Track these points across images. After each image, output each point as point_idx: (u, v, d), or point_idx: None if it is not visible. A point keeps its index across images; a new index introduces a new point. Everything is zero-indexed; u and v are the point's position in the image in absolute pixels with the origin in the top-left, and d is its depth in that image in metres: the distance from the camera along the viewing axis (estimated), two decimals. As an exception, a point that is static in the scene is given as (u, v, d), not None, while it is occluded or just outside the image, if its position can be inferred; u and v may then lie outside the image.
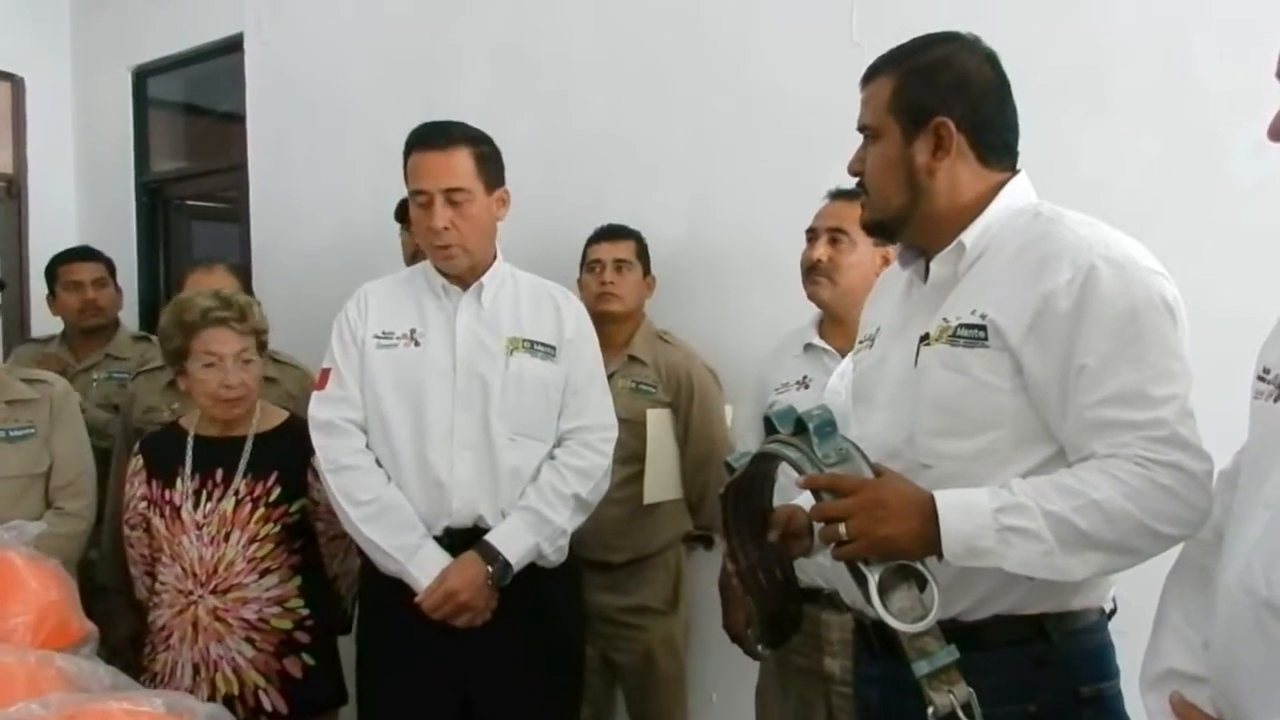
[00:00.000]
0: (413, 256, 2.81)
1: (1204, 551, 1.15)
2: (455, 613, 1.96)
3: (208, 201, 4.59)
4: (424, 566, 1.97)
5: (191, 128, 4.67)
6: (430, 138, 2.03)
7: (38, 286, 4.20)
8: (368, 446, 2.07)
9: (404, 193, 2.15)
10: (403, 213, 2.87)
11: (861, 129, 1.40)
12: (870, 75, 1.40)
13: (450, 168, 2.01)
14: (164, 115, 4.54)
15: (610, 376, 2.64)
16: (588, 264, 2.73)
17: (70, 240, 4.04)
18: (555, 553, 2.07)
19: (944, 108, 1.32)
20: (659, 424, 2.65)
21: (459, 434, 2.03)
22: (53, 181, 4.51)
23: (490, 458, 2.04)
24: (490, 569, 1.96)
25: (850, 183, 1.49)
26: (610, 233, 2.74)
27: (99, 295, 3.20)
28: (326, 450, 2.05)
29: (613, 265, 2.68)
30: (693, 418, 2.66)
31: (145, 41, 4.31)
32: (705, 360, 2.74)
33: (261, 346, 2.25)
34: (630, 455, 2.58)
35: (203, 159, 4.54)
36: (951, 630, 1.18)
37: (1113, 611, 1.39)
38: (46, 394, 2.43)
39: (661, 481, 2.66)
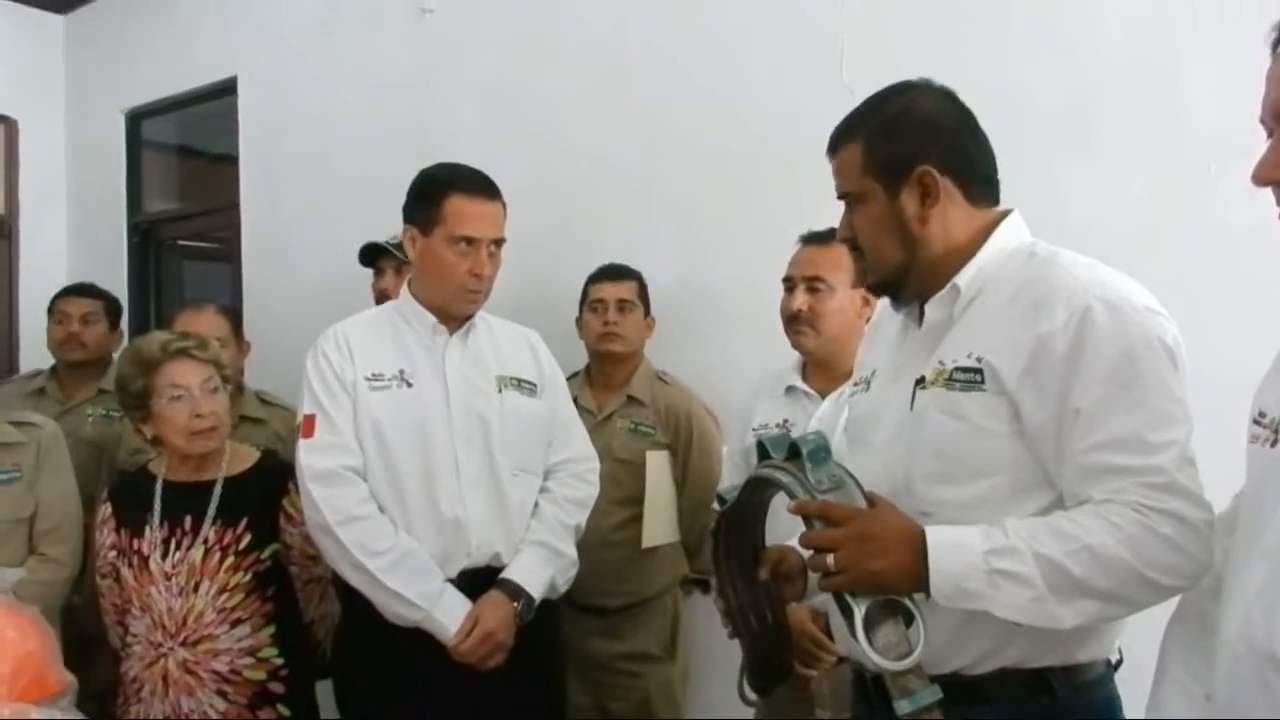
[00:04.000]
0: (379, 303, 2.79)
1: (1204, 598, 1.13)
2: (491, 654, 1.94)
3: (200, 242, 4.59)
4: (450, 613, 1.94)
5: (184, 169, 4.69)
6: (482, 187, 2.07)
7: (27, 326, 4.20)
8: (369, 493, 2.02)
9: (394, 234, 2.14)
10: (371, 259, 2.84)
11: (842, 197, 1.39)
12: (834, 145, 1.39)
13: (499, 219, 2.08)
14: (157, 156, 4.56)
15: (609, 417, 2.65)
16: (589, 303, 2.71)
17: (61, 280, 4.03)
18: (564, 584, 2.09)
19: (920, 155, 1.31)
20: (658, 466, 2.63)
21: (466, 473, 2.02)
22: (44, 222, 4.53)
23: (499, 494, 2.04)
24: (516, 605, 1.97)
25: (823, 225, 1.47)
26: (612, 272, 2.73)
27: (83, 330, 3.15)
28: (332, 501, 1.96)
29: (615, 305, 2.67)
30: (691, 460, 2.64)
31: (139, 84, 4.34)
32: (704, 401, 2.72)
33: (225, 380, 2.20)
34: (629, 498, 2.57)
35: (195, 200, 4.55)
36: (953, 686, 1.16)
37: (1119, 662, 1.36)
38: (34, 437, 2.40)
39: (660, 525, 2.63)
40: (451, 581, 1.98)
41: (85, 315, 3.18)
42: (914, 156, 1.31)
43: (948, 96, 1.36)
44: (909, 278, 1.36)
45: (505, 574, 2.00)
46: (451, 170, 2.10)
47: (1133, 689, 1.28)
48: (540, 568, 2.03)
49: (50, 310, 3.24)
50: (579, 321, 2.74)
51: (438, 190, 2.05)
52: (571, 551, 2.09)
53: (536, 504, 2.10)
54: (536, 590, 2.00)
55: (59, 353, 3.19)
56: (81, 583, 2.48)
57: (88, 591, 2.52)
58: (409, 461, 2.01)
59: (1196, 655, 1.09)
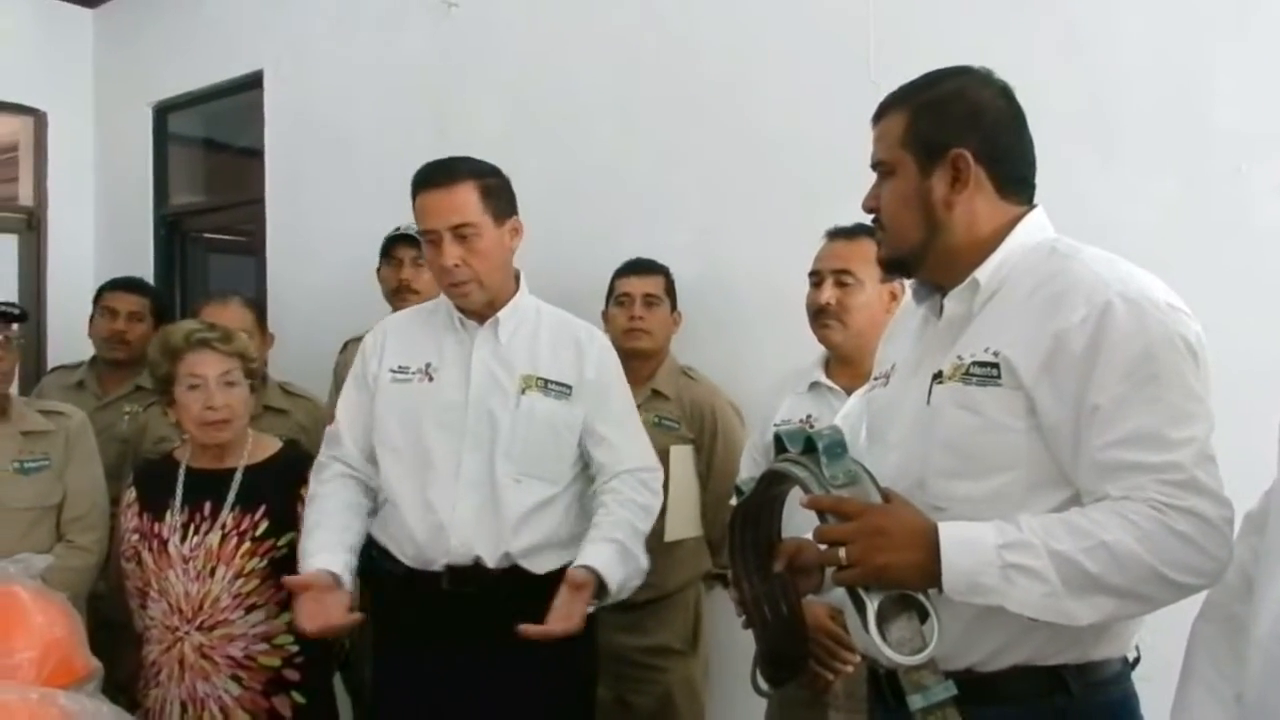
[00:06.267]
0: (393, 293, 2.82)
1: (1232, 597, 1.12)
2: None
3: (225, 235, 4.63)
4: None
5: (210, 162, 4.73)
6: (433, 177, 2.02)
7: (55, 318, 4.26)
8: (358, 478, 2.08)
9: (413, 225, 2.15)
10: (386, 248, 2.89)
11: (875, 166, 1.40)
12: (881, 112, 1.39)
13: (454, 205, 1.98)
14: (184, 150, 4.60)
15: None
16: (615, 297, 2.70)
17: (89, 272, 4.10)
18: (627, 593, 2.00)
19: (959, 139, 1.31)
20: (681, 461, 2.61)
21: (464, 472, 2.00)
22: (72, 215, 4.57)
23: (493, 498, 1.99)
24: (597, 601, 1.90)
25: (848, 221, 1.48)
26: (639, 267, 2.71)
27: (129, 329, 3.15)
28: (311, 484, 2.10)
29: (642, 300, 2.66)
30: (716, 455, 2.63)
31: (166, 78, 4.38)
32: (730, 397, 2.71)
33: (251, 374, 2.23)
34: None
35: (221, 193, 4.59)
36: (966, 682, 1.15)
37: (1136, 660, 1.35)
38: (63, 427, 2.44)
39: (683, 519, 2.62)
40: (439, 574, 1.97)
41: (132, 312, 3.17)
42: (953, 138, 1.31)
43: (1003, 91, 1.36)
44: (924, 260, 1.36)
45: (595, 567, 1.88)
46: (419, 170, 2.06)
47: (1155, 688, 1.28)
48: (617, 565, 1.92)
49: (96, 301, 3.25)
50: (605, 315, 2.73)
51: (413, 194, 2.05)
52: (644, 560, 2.00)
53: (605, 504, 2.01)
54: (614, 586, 1.90)
55: (102, 348, 3.18)
56: (108, 570, 2.52)
57: (113, 578, 2.56)
58: (409, 454, 2.02)
59: (1226, 655, 1.08)
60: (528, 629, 1.80)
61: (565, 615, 1.83)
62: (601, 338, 2.19)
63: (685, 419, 2.64)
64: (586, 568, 1.88)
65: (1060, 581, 1.13)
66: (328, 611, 1.88)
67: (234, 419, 2.16)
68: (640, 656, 2.58)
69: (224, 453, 2.20)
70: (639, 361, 2.67)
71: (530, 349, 2.08)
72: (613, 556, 1.92)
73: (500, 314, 2.08)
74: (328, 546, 1.96)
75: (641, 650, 2.58)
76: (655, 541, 2.54)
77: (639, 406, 2.58)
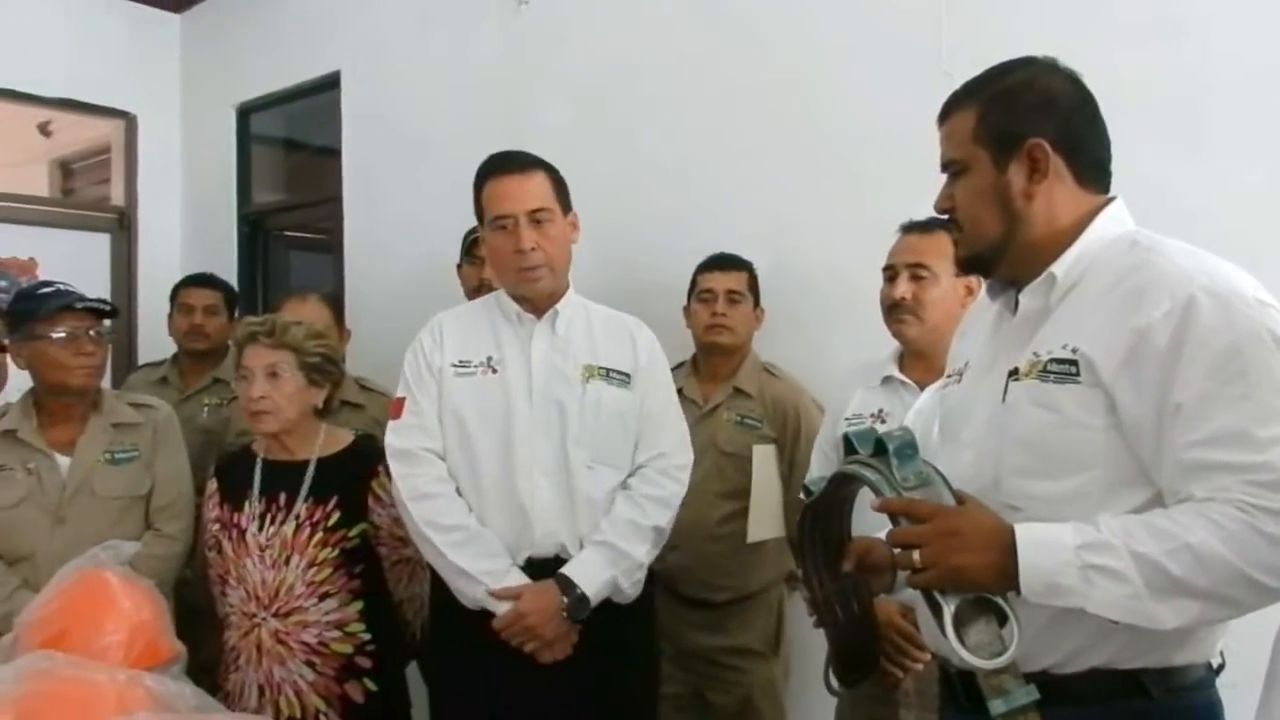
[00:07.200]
0: (474, 291, 2.84)
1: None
2: (523, 637, 1.95)
3: (304, 233, 4.74)
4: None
5: (290, 162, 4.84)
6: (507, 164, 2.07)
7: (146, 315, 4.41)
8: (448, 474, 2.07)
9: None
10: (468, 246, 2.90)
11: (945, 165, 1.37)
12: (947, 110, 1.37)
13: (531, 190, 2.04)
14: (264, 150, 4.71)
15: (714, 409, 2.62)
16: (699, 293, 2.68)
17: (176, 270, 4.22)
18: (632, 587, 2.05)
19: (1034, 129, 1.28)
20: (764, 460, 2.57)
21: (539, 461, 2.03)
22: (161, 214, 4.72)
23: (568, 485, 2.03)
24: (565, 599, 1.95)
25: (920, 215, 1.45)
26: (723, 262, 2.68)
27: (206, 322, 3.30)
28: (407, 480, 2.04)
29: (725, 296, 2.63)
30: (798, 454, 2.56)
31: (248, 79, 4.49)
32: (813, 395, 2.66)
33: (316, 369, 2.23)
34: (734, 491, 2.54)
35: (300, 192, 4.69)
36: (1042, 684, 1.13)
37: (1221, 666, 1.31)
38: (151, 418, 2.52)
39: (765, 519, 2.57)
40: (520, 569, 2.00)
41: (207, 306, 3.32)
42: (1028, 128, 1.29)
43: (1071, 78, 1.33)
44: (1004, 256, 1.34)
45: (564, 569, 1.98)
46: (488, 159, 2.12)
47: (1242, 696, 1.23)
48: (602, 567, 1.99)
49: (173, 298, 3.39)
50: (686, 310, 2.71)
51: (478, 182, 2.10)
52: (639, 554, 2.02)
53: (616, 499, 2.06)
54: (592, 589, 1.96)
55: (183, 343, 3.33)
56: (193, 558, 2.61)
57: (198, 566, 2.65)
58: (484, 446, 2.04)
59: None
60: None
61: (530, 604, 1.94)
62: (648, 329, 2.24)
63: (767, 417, 2.60)
64: (561, 575, 1.98)
65: (1143, 583, 1.10)
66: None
67: (276, 411, 2.18)
68: (722, 657, 2.57)
69: (294, 445, 2.25)
70: (721, 358, 2.65)
71: (587, 340, 2.12)
72: (595, 560, 2.00)
73: (558, 306, 2.12)
74: (509, 568, 2.00)
75: (723, 651, 2.56)
76: (738, 541, 2.55)
77: (720, 405, 2.59)
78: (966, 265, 1.43)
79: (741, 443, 2.56)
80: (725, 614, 2.57)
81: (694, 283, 2.71)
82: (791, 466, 2.58)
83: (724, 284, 2.64)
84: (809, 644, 2.54)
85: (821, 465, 2.18)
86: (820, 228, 2.75)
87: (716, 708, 2.60)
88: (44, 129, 5.21)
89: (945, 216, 1.40)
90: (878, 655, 1.53)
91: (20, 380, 2.49)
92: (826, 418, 2.30)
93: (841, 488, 1.37)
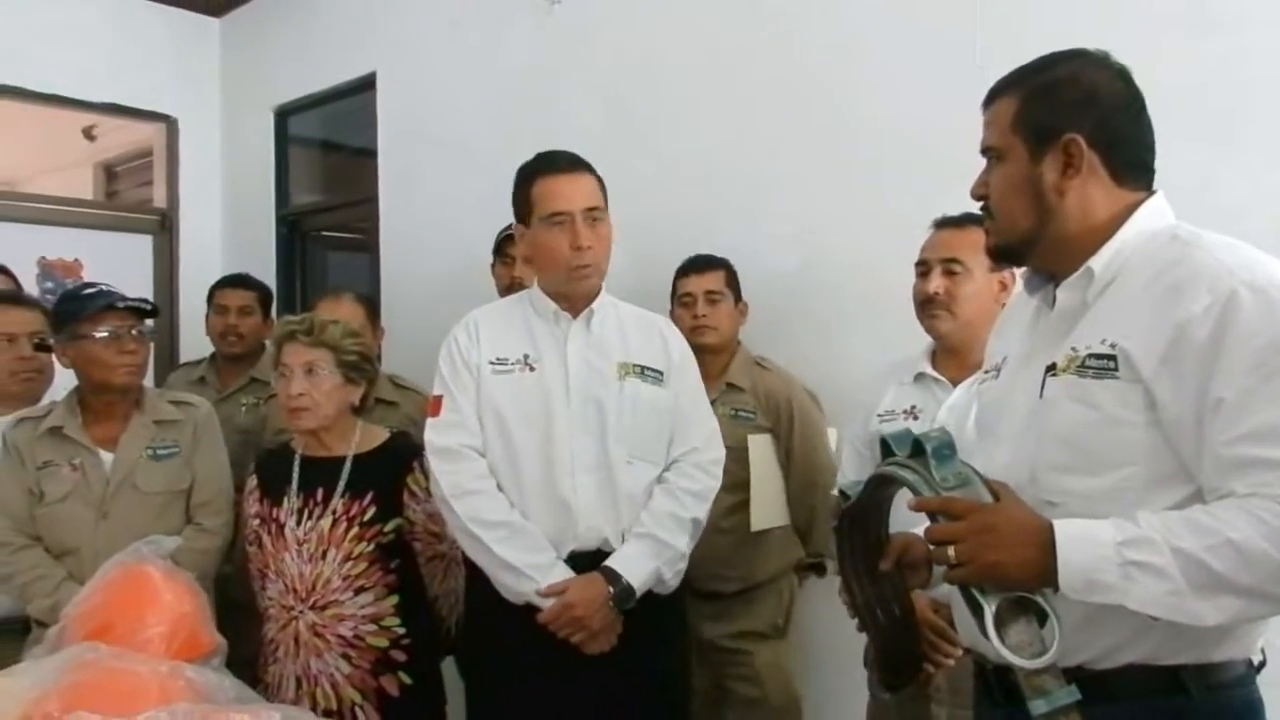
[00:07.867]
0: (506, 290, 2.85)
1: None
2: (571, 628, 1.97)
3: (341, 233, 4.79)
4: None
5: (327, 163, 4.90)
6: (561, 162, 2.10)
7: (187, 315, 4.48)
8: (489, 471, 2.09)
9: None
10: (500, 246, 2.92)
11: (985, 151, 1.37)
12: (992, 96, 1.36)
13: (587, 189, 2.07)
14: (302, 151, 4.77)
15: (709, 406, 2.64)
16: (679, 298, 2.72)
17: (216, 270, 4.29)
18: (674, 578, 2.08)
19: (1072, 124, 1.27)
20: (761, 449, 2.63)
21: (579, 457, 2.05)
22: (201, 215, 4.80)
23: (610, 480, 2.06)
24: (611, 590, 1.98)
25: (955, 211, 1.44)
26: (698, 264, 2.72)
27: (241, 323, 3.35)
28: (449, 476, 2.06)
29: (704, 298, 2.67)
30: (795, 442, 2.64)
31: (286, 82, 4.55)
32: (805, 384, 2.70)
33: (353, 367, 2.26)
34: (735, 483, 2.55)
35: (337, 193, 4.74)
36: (1079, 680, 1.12)
37: (1262, 663, 1.29)
38: (191, 416, 2.57)
39: (768, 507, 2.64)
40: (565, 563, 2.02)
41: (242, 307, 3.37)
42: (1065, 123, 1.28)
43: (1121, 74, 1.32)
44: (1034, 248, 1.33)
45: (609, 561, 2.01)
46: (537, 157, 2.14)
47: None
48: (643, 559, 2.02)
49: (209, 299, 3.45)
50: (671, 315, 2.72)
51: (526, 179, 2.11)
52: (680, 544, 2.06)
53: (654, 493, 2.10)
54: (636, 580, 1.99)
55: (219, 344, 3.39)
56: (233, 553, 2.65)
57: (238, 560, 2.69)
58: (525, 443, 2.06)
59: None
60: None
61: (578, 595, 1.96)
62: (675, 327, 2.31)
63: (761, 409, 2.65)
64: (607, 567, 2.00)
65: (1184, 580, 1.09)
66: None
67: (314, 408, 2.21)
68: (727, 642, 2.62)
69: (331, 442, 2.28)
70: (709, 357, 2.67)
71: (620, 338, 2.15)
72: (638, 552, 2.03)
73: (594, 305, 2.14)
74: (554, 562, 2.02)
75: (728, 636, 2.62)
76: (743, 533, 2.59)
77: (715, 400, 2.60)
78: (996, 254, 1.42)
79: (738, 436, 2.58)
80: (731, 603, 2.62)
81: (674, 288, 2.75)
82: (789, 454, 2.65)
83: (701, 285, 2.68)
84: (825, 631, 2.54)
85: (854, 462, 2.18)
86: (849, 227, 2.74)
87: (734, 694, 2.64)
88: (88, 133, 5.32)
89: (980, 205, 1.39)
90: (921, 658, 1.52)
91: (66, 379, 2.55)
92: (856, 414, 2.29)
93: (879, 490, 1.36)
